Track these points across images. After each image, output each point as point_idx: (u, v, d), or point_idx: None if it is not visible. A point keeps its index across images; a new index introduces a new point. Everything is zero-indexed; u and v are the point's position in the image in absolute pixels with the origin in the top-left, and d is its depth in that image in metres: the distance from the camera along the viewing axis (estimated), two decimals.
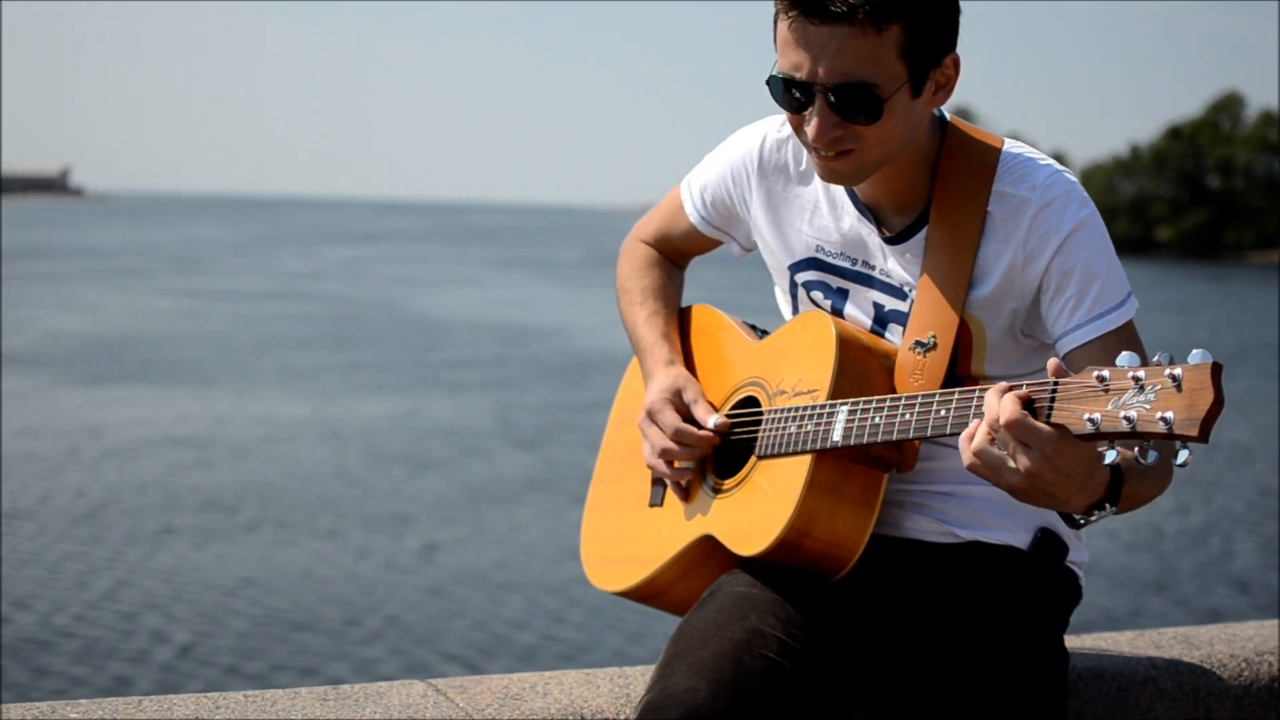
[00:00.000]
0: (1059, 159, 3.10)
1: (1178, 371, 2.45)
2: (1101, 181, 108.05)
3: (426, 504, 15.02)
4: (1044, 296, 2.99)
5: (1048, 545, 3.11)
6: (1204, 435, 2.42)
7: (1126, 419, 2.48)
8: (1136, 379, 2.49)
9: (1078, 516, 2.72)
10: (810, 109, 2.90)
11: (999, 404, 2.63)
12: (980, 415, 2.71)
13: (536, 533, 14.23)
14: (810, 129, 2.91)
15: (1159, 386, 2.46)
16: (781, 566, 3.03)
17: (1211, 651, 3.59)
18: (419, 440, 18.69)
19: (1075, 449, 2.59)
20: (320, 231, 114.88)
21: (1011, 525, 3.09)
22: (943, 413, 2.80)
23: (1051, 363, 2.63)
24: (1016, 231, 2.99)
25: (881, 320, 3.12)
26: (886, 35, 2.85)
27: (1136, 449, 2.49)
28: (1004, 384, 2.68)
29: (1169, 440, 2.45)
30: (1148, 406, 2.46)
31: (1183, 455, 2.44)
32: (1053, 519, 3.11)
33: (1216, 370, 2.44)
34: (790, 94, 2.92)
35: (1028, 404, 2.61)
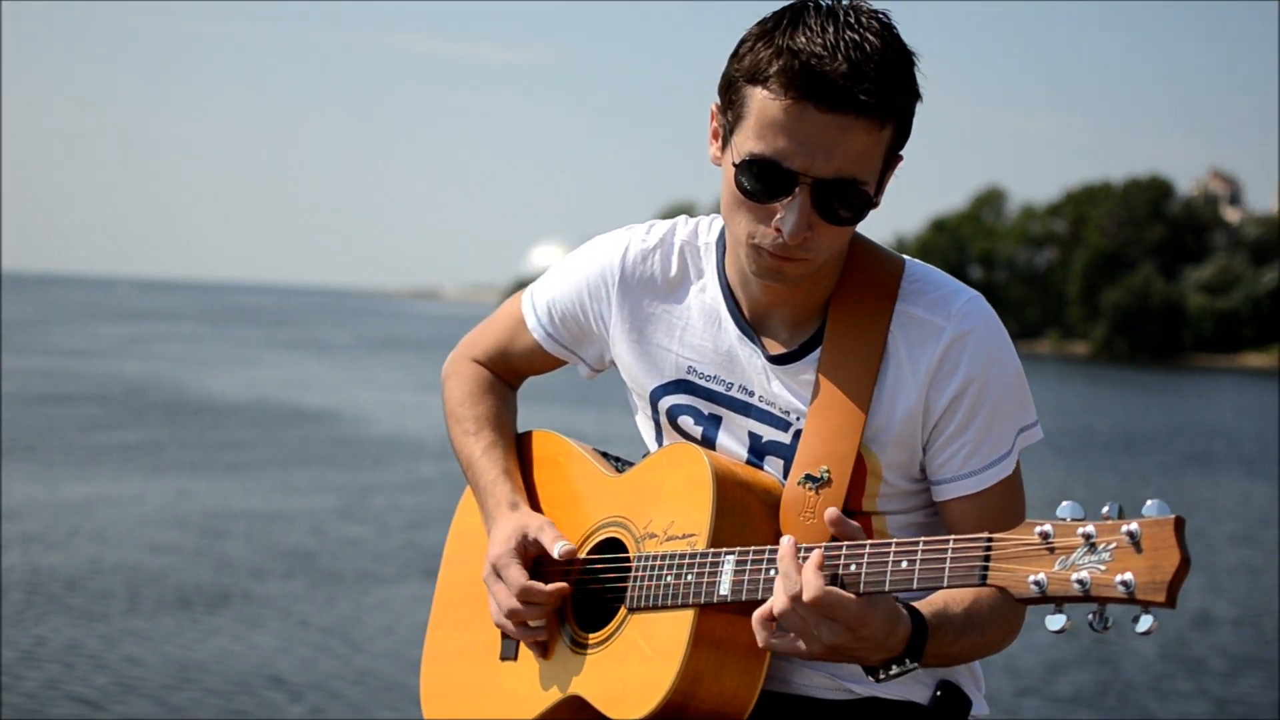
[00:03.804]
0: None
1: (1134, 528, 2.21)
2: None
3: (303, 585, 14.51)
4: (938, 434, 2.75)
5: (949, 701, 2.85)
6: (1171, 600, 2.19)
7: (1079, 582, 2.23)
8: (1087, 536, 2.24)
9: (878, 671, 2.55)
10: (786, 200, 2.60)
11: (800, 578, 2.48)
12: (898, 566, 2.46)
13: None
14: (787, 224, 2.60)
15: (1114, 545, 2.23)
16: None
17: None
18: (273, 522, 18.19)
19: (879, 615, 2.47)
20: (88, 309, 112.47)
21: (910, 679, 2.83)
22: (853, 568, 2.52)
23: (830, 513, 2.54)
24: (925, 360, 2.74)
25: (758, 452, 2.83)
26: (884, 133, 2.61)
27: (1090, 616, 2.23)
28: (796, 546, 2.53)
29: (1128, 605, 2.19)
30: (1102, 568, 2.22)
31: (1145, 622, 2.20)
32: (956, 672, 2.88)
33: (1180, 526, 2.20)
34: (766, 181, 2.60)
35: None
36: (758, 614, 2.55)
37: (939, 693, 2.84)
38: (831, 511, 2.55)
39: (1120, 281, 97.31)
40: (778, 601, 2.51)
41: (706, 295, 2.88)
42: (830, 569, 2.51)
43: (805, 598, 2.46)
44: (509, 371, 3.21)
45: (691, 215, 3.01)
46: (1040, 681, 12.06)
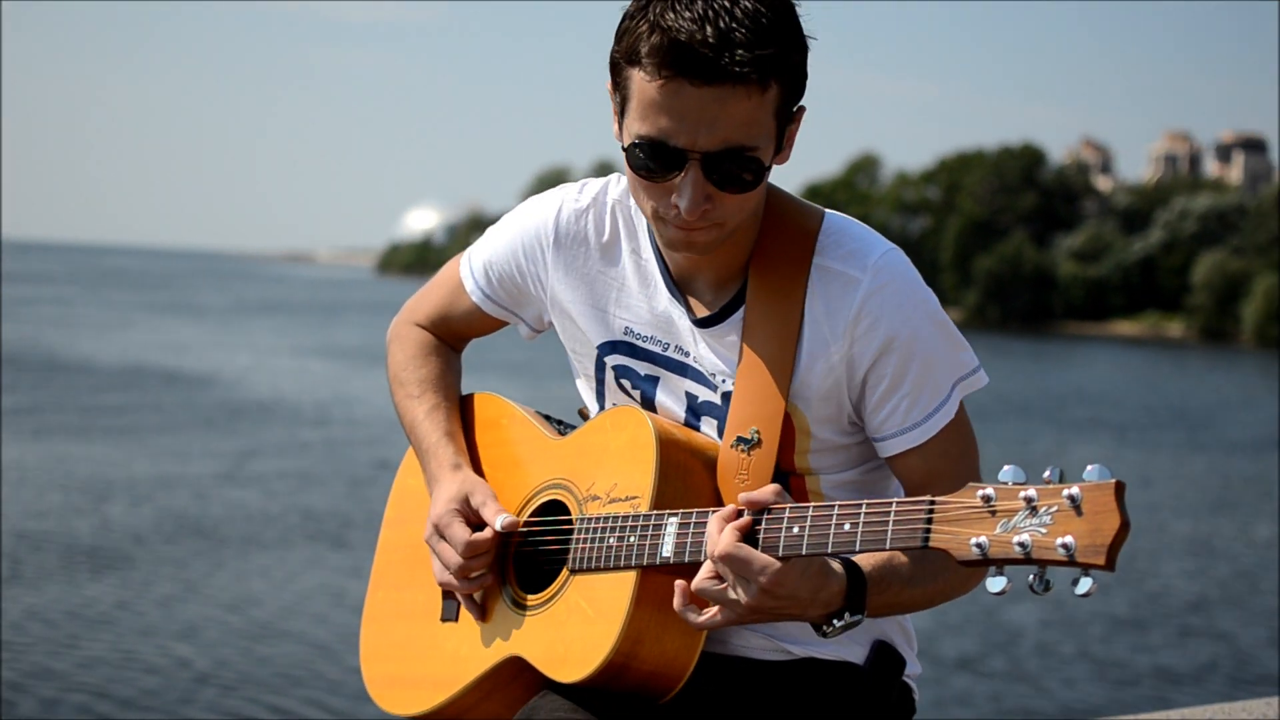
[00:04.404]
0: None
1: (1075, 491, 2.27)
2: None
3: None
4: (871, 391, 2.79)
5: (884, 659, 2.90)
6: (1110, 563, 2.25)
7: (1020, 545, 2.29)
8: (1028, 499, 2.30)
9: (822, 626, 2.61)
10: (679, 176, 2.63)
11: (718, 535, 2.54)
12: (841, 529, 2.51)
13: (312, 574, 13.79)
14: (684, 200, 2.63)
15: (1055, 508, 2.28)
16: (603, 690, 2.77)
17: None
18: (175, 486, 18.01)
19: (795, 574, 2.51)
20: None
21: (846, 639, 2.88)
22: (795, 530, 2.56)
23: (742, 497, 2.59)
24: (842, 314, 2.77)
25: (695, 412, 2.88)
26: (768, 95, 2.61)
27: (1031, 578, 2.30)
28: (728, 510, 2.58)
29: (1068, 567, 2.27)
30: (1043, 531, 2.28)
31: (1085, 584, 2.26)
32: (890, 631, 2.93)
33: (1120, 490, 2.27)
34: (657, 161, 2.63)
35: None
36: (677, 603, 2.62)
37: (875, 649, 2.88)
38: (744, 496, 2.60)
39: (992, 249, 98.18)
40: (705, 565, 2.58)
41: (641, 257, 2.91)
42: (773, 532, 2.56)
43: (716, 553, 2.52)
44: (451, 335, 3.23)
45: (564, 181, 3.07)
46: (925, 643, 12.24)
